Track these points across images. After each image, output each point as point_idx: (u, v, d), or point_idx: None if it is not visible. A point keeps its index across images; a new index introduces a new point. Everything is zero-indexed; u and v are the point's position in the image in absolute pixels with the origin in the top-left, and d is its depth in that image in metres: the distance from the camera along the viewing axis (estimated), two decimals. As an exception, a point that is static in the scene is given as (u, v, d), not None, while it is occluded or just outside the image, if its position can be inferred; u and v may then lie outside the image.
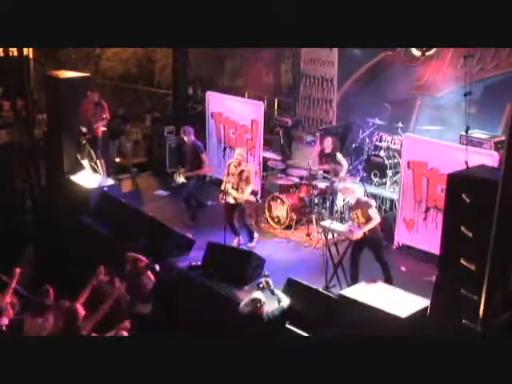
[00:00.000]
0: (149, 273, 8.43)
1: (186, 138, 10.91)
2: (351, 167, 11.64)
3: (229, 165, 10.08)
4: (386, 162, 11.30)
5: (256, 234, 10.16)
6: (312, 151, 11.67)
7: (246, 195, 9.84)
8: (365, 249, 8.51)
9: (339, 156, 10.90)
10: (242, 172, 9.83)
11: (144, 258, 8.53)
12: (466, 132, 9.17)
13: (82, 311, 6.86)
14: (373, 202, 8.54)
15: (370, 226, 8.29)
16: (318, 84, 14.06)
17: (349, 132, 12.90)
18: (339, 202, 10.46)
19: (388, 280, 8.30)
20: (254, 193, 10.51)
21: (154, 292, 8.48)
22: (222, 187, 9.78)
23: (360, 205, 8.43)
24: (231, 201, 9.75)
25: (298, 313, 7.72)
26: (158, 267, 8.61)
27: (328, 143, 10.99)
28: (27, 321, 6.99)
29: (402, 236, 9.88)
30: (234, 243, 9.89)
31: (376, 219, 8.31)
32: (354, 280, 8.45)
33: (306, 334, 7.37)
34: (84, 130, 11.85)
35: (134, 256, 8.62)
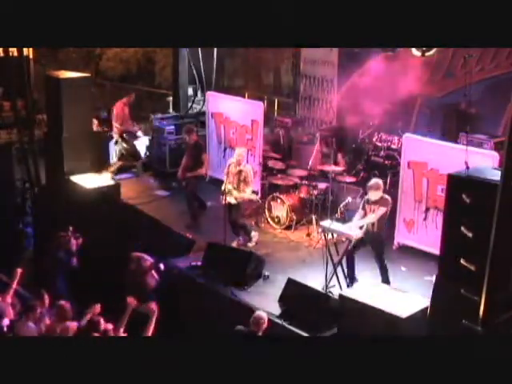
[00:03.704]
0: (153, 272, 8.45)
1: (188, 138, 10.92)
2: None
3: (229, 165, 10.08)
4: (386, 162, 11.31)
5: (254, 233, 10.13)
6: (312, 151, 11.67)
7: (246, 195, 9.86)
8: (367, 247, 8.52)
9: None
10: (240, 172, 9.85)
11: (148, 257, 8.56)
12: (466, 132, 9.22)
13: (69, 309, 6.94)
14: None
15: (367, 221, 8.34)
16: (318, 84, 14.07)
17: (349, 132, 12.90)
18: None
19: (385, 283, 8.29)
20: (254, 192, 10.51)
21: (156, 291, 8.50)
22: (223, 187, 9.79)
23: (381, 202, 8.40)
24: (232, 201, 9.77)
25: (298, 313, 7.73)
26: (162, 266, 8.63)
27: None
28: (19, 325, 6.99)
29: (402, 236, 9.88)
30: (235, 244, 9.88)
31: (375, 218, 8.34)
32: (351, 279, 8.46)
33: (306, 334, 7.37)
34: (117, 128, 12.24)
35: (139, 255, 8.64)
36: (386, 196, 8.58)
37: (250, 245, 9.96)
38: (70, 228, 9.11)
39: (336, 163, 11.52)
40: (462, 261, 6.40)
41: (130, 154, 13.71)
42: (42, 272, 9.47)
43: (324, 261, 8.51)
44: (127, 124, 13.64)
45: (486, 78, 11.45)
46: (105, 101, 15.18)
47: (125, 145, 13.56)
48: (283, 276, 8.49)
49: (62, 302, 7.29)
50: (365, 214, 8.47)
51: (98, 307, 7.19)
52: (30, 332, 6.86)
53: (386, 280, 8.38)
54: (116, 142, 13.62)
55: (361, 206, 8.68)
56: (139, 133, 14.08)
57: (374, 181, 8.68)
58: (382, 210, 8.31)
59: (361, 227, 8.44)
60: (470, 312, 6.01)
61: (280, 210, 10.62)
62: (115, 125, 13.59)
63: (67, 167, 11.41)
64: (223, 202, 9.67)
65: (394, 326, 6.87)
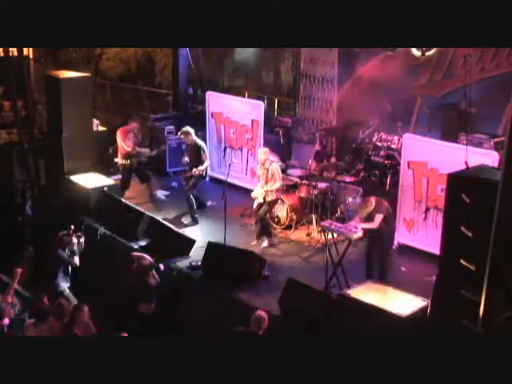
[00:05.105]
0: (153, 272, 8.46)
1: (186, 140, 10.96)
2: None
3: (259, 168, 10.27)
4: (386, 162, 11.32)
5: (266, 241, 10.12)
6: (312, 151, 11.68)
7: (274, 187, 9.98)
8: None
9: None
10: (267, 170, 10.03)
11: (148, 257, 8.57)
12: (466, 132, 9.23)
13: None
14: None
15: (369, 226, 8.36)
16: (318, 84, 14.07)
17: (349, 132, 12.91)
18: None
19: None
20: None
21: (157, 291, 8.50)
22: (255, 192, 10.17)
23: (377, 208, 8.44)
24: (260, 200, 10.05)
25: (298, 313, 7.73)
26: (162, 267, 8.63)
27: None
28: (30, 329, 6.98)
29: (402, 236, 9.87)
30: (265, 244, 9.99)
31: (374, 225, 8.39)
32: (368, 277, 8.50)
33: (306, 334, 7.36)
34: None
35: (139, 255, 8.65)
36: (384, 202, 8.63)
37: (263, 244, 10.03)
38: (72, 227, 9.11)
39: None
40: (462, 261, 6.39)
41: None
42: (42, 272, 9.47)
43: (324, 261, 8.52)
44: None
45: (485, 77, 11.45)
46: (105, 100, 15.16)
47: None
48: (283, 276, 8.48)
49: (61, 300, 7.30)
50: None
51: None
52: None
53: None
54: None
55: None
56: None
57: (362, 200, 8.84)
58: (379, 217, 8.34)
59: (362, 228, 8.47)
60: (470, 312, 6.01)
61: (280, 209, 10.62)
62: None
63: (67, 167, 11.41)
64: (256, 201, 10.13)
65: (395, 325, 6.87)
